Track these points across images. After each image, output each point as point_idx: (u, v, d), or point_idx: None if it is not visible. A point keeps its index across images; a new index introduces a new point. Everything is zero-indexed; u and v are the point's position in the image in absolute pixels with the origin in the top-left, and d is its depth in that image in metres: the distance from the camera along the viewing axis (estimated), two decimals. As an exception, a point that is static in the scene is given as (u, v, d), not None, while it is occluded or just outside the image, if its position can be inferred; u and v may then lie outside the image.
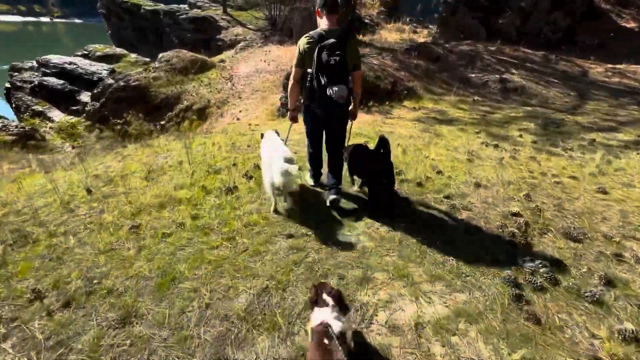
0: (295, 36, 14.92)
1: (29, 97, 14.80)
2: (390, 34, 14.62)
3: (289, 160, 2.70)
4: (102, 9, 19.50)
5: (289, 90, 2.87)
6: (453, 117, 6.88)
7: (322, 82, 2.50)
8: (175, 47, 16.21)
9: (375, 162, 2.88)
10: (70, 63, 15.86)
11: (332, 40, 2.47)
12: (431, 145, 4.90)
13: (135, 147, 5.63)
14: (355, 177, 3.33)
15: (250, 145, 4.85)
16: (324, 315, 1.49)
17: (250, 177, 3.60)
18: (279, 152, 2.78)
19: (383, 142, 2.79)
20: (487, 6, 11.71)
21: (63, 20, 77.08)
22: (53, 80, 14.78)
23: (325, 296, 1.56)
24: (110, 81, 11.90)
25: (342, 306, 1.58)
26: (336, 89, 2.47)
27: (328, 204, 2.95)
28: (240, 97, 11.06)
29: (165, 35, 18.44)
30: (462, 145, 4.98)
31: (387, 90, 7.95)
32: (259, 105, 10.11)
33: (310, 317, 1.58)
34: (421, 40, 14.25)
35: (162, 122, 11.11)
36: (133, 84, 11.73)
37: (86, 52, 17.69)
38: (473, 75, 8.95)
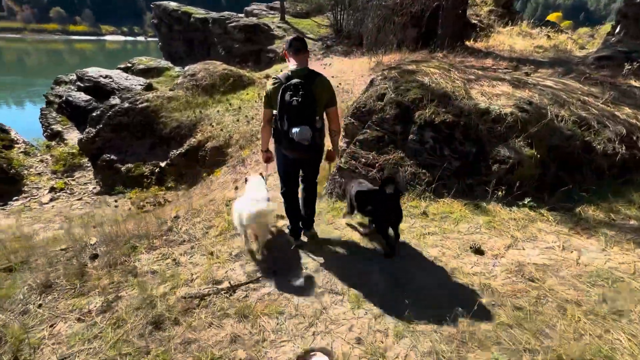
0: (367, 44, 10.42)
1: (54, 115, 12.59)
2: (513, 40, 9.27)
3: (259, 202, 2.53)
4: (154, 18, 17.47)
5: (261, 130, 2.63)
6: None
7: (285, 124, 2.26)
8: (223, 59, 12.92)
9: (382, 203, 2.57)
10: (106, 76, 13.36)
11: (296, 80, 2.26)
12: None
13: None
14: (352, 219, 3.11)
15: None
16: None
17: None
18: (253, 194, 2.68)
19: (389, 182, 2.53)
20: None
21: (155, 39, 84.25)
22: (79, 96, 12.33)
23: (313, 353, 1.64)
24: (115, 101, 8.62)
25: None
26: (297, 130, 2.21)
27: (292, 247, 2.72)
28: (275, 133, 6.76)
29: (213, 47, 15.43)
30: None
31: (615, 159, 2.83)
32: (301, 153, 5.65)
33: None
34: (569, 47, 8.70)
35: (162, 165, 7.34)
36: (140, 105, 8.27)
37: (129, 65, 15.43)
38: None
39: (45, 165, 9.24)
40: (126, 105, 8.30)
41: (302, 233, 2.78)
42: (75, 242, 3.08)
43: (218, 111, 8.14)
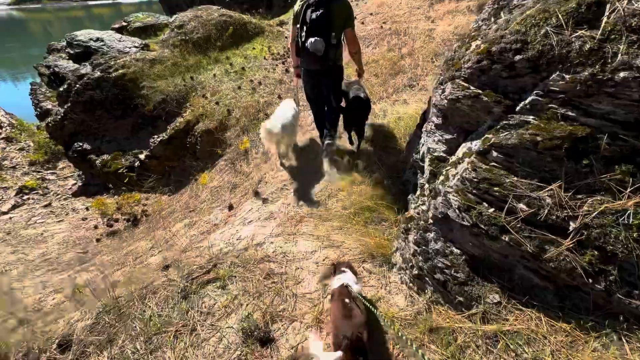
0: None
1: (44, 90, 10.87)
2: None
3: (282, 119, 3.10)
4: (148, -37, 14.67)
5: (290, 45, 3.12)
6: None
7: (303, 36, 2.58)
8: (228, 6, 10.21)
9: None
10: (97, 39, 11.09)
11: None
12: None
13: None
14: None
15: None
16: (343, 279, 1.56)
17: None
18: (280, 112, 3.23)
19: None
20: None
21: (170, -2, 79.17)
22: (66, 66, 10.31)
23: (342, 268, 1.66)
24: (85, 69, 6.55)
25: (354, 273, 1.68)
26: (311, 40, 2.53)
27: (323, 148, 3.03)
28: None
29: (217, -7, 12.51)
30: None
31: None
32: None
33: (330, 283, 1.65)
34: None
35: (142, 157, 5.33)
36: (114, 74, 6.14)
37: (125, 24, 13.06)
38: None
39: (24, 154, 7.68)
40: (97, 74, 6.20)
41: (325, 138, 3.00)
42: None
43: (214, 75, 5.81)
